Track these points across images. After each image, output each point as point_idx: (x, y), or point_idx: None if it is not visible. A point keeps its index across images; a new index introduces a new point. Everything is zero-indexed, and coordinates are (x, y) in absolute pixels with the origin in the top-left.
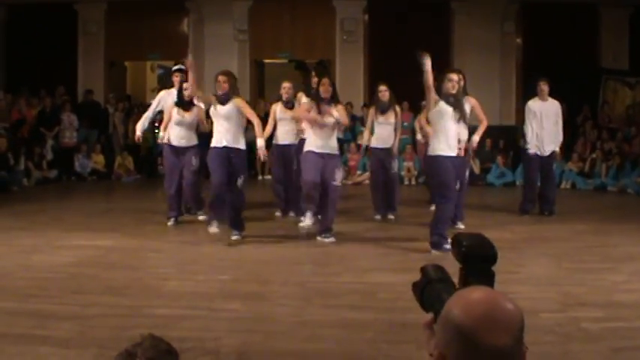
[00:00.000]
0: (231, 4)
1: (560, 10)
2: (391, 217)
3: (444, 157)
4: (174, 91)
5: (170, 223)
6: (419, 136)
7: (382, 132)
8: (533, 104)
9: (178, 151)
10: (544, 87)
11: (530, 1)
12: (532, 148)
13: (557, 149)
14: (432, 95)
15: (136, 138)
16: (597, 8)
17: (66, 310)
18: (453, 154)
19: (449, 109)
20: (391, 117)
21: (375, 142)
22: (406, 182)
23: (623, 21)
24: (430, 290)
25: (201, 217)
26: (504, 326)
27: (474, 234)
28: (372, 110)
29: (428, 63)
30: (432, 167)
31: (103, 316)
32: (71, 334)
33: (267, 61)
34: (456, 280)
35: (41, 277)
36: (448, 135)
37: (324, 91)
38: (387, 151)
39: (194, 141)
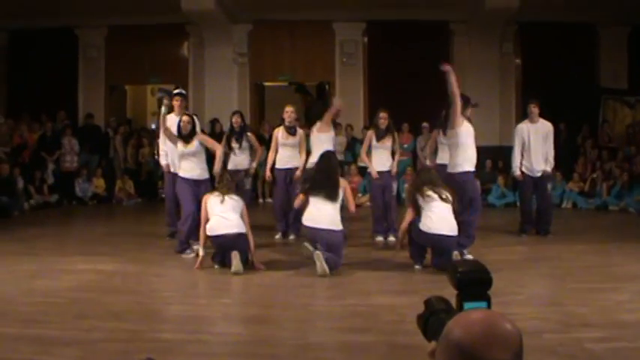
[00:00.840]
0: (230, 27)
1: (559, 30)
2: (392, 238)
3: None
4: (174, 117)
5: (193, 254)
6: (427, 162)
7: (379, 156)
8: (522, 126)
9: (192, 183)
10: (534, 109)
11: (529, 22)
12: (516, 170)
13: (549, 169)
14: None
15: (165, 167)
16: (595, 28)
17: (68, 335)
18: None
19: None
20: (388, 142)
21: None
22: (406, 203)
23: (622, 40)
24: (434, 320)
25: (195, 247)
26: (504, 343)
27: (469, 260)
28: (370, 133)
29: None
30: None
31: (105, 341)
32: (74, 359)
33: (267, 84)
34: None
35: (43, 302)
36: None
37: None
38: (384, 174)
39: (206, 174)
